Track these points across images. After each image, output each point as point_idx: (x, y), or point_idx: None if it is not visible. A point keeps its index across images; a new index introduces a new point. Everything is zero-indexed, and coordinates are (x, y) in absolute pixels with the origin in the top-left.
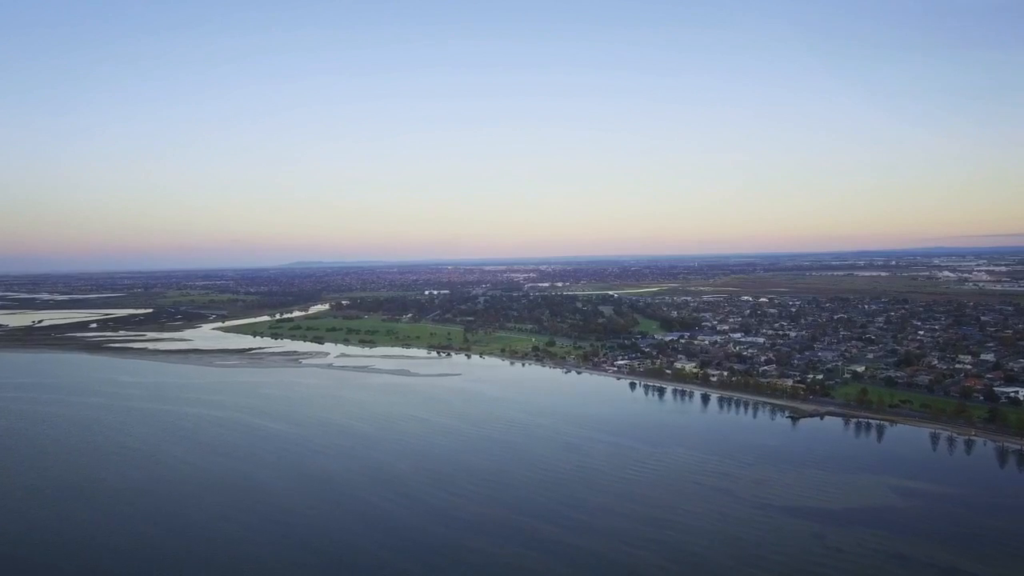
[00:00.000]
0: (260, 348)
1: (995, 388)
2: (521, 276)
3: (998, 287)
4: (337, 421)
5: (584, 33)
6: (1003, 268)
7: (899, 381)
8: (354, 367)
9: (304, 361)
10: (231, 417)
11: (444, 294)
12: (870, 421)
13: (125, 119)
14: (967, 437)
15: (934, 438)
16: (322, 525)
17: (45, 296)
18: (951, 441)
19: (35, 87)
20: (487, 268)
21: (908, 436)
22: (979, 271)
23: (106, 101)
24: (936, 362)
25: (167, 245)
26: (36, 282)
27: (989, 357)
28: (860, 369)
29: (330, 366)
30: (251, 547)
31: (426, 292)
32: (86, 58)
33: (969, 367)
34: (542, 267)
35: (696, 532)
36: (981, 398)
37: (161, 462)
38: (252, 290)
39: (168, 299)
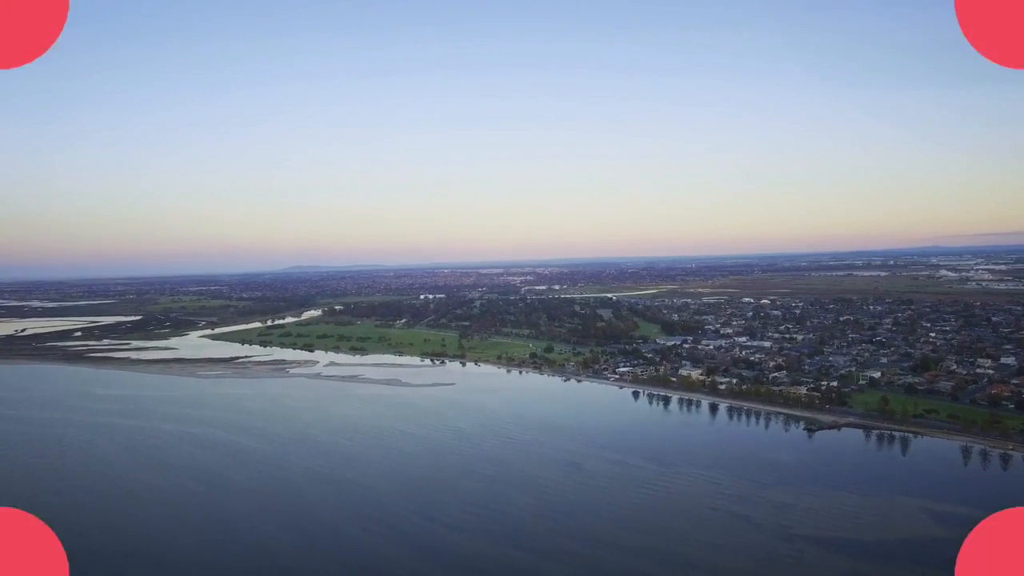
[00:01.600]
0: (247, 357)
1: None
2: (518, 279)
3: (1001, 286)
4: (319, 438)
5: (579, 35)
6: (1003, 267)
7: (919, 388)
8: (343, 377)
9: (291, 371)
10: (205, 433)
11: (439, 298)
12: (894, 433)
13: (119, 124)
14: (1003, 451)
15: (966, 452)
16: (290, 561)
17: (35, 303)
18: (985, 456)
19: (28, 93)
20: (483, 271)
21: (938, 450)
22: (979, 270)
23: (100, 106)
24: (955, 366)
25: (164, 251)
26: (28, 289)
27: (1009, 361)
28: (876, 375)
29: (318, 376)
30: None
31: (421, 296)
32: (78, 63)
33: (991, 372)
34: (539, 269)
35: (718, 572)
36: (1012, 407)
37: (119, 486)
38: (246, 295)
39: (159, 305)
